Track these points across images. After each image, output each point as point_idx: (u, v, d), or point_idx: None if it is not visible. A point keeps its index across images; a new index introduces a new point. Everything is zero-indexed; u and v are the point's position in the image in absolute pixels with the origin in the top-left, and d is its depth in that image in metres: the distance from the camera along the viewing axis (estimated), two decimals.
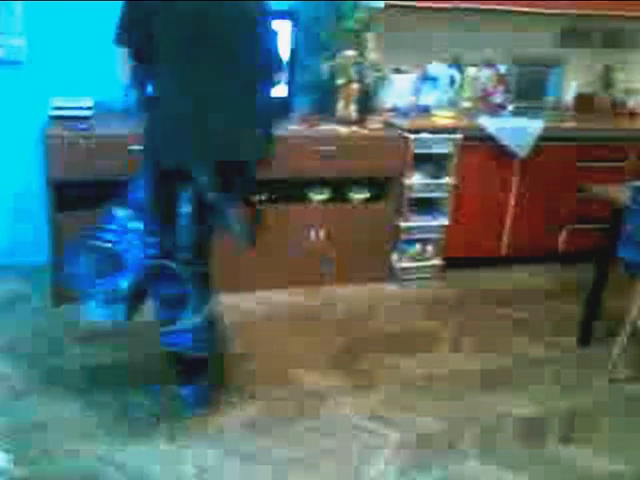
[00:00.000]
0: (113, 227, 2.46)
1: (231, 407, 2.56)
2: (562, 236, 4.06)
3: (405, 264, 3.76)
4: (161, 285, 2.40)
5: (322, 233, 3.55)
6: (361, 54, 3.60)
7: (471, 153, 3.67)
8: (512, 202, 3.89)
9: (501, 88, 4.12)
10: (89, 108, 3.26)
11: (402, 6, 3.60)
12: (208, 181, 2.28)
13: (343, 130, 3.51)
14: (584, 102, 4.29)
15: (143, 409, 2.50)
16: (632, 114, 4.31)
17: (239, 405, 2.57)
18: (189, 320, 2.40)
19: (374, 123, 3.59)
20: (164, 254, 2.37)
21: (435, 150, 3.60)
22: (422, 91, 3.93)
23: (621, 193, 2.88)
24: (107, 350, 2.86)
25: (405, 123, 3.60)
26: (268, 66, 2.48)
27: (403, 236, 3.71)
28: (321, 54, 3.68)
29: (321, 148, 3.40)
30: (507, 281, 3.91)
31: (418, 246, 3.77)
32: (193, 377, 2.50)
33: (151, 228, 2.39)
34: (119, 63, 2.35)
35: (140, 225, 2.42)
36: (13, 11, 3.23)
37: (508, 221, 3.92)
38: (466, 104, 4.06)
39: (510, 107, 4.07)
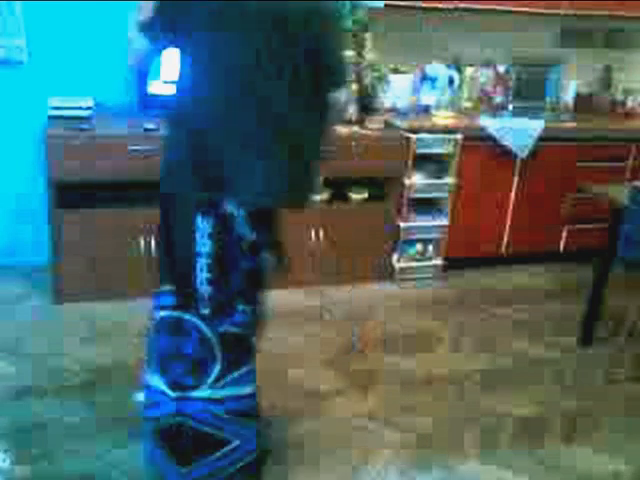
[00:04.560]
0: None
1: None
2: (562, 236, 4.07)
3: (405, 264, 3.76)
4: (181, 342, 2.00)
5: (322, 233, 3.55)
6: (359, 54, 3.60)
7: (471, 153, 3.67)
8: (512, 202, 3.89)
9: (501, 88, 4.12)
10: (89, 108, 3.26)
11: (402, 6, 3.60)
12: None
13: (343, 130, 3.51)
14: (584, 102, 4.29)
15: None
16: (631, 114, 4.32)
17: None
18: (206, 391, 2.00)
19: (374, 123, 3.59)
20: (182, 304, 2.00)
21: (436, 150, 3.60)
22: (422, 91, 3.93)
23: (621, 193, 2.88)
24: (107, 350, 2.86)
25: (405, 123, 3.61)
26: None
27: (403, 236, 3.71)
28: None
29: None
30: (507, 281, 3.91)
31: (418, 246, 3.77)
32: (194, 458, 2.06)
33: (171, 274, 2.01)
34: None
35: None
36: (13, 11, 3.23)
37: (508, 221, 3.92)
38: (466, 104, 4.07)
39: (510, 107, 4.08)
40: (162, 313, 2.02)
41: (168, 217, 1.97)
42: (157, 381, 2.03)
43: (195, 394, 2.00)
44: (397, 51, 3.87)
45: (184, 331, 2.00)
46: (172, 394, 2.00)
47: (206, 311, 1.98)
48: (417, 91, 3.95)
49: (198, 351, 2.00)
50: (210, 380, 2.00)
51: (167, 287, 2.01)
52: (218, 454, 2.05)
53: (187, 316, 1.99)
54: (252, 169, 1.85)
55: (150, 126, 3.14)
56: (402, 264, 3.75)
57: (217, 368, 2.00)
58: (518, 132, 3.71)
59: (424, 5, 3.65)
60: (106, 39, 3.36)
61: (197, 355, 2.00)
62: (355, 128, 3.56)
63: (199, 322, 1.99)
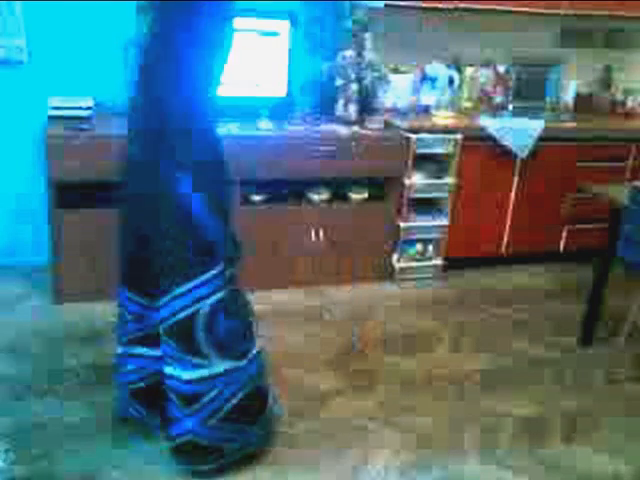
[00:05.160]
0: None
1: None
2: (562, 236, 4.07)
3: (405, 264, 3.76)
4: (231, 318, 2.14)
5: (322, 233, 3.55)
6: (359, 54, 3.60)
7: (471, 153, 3.68)
8: (512, 202, 3.89)
9: (501, 88, 4.12)
10: (89, 108, 3.26)
11: (402, 6, 3.60)
12: None
13: (343, 130, 3.51)
14: (584, 102, 4.30)
15: None
16: (631, 114, 4.32)
17: None
18: (257, 343, 2.23)
19: (374, 123, 3.59)
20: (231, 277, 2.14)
21: (436, 150, 3.60)
22: (422, 91, 3.93)
23: (621, 193, 2.88)
24: (107, 350, 2.85)
25: (405, 123, 3.61)
26: None
27: (403, 236, 3.71)
28: (321, 54, 3.69)
29: (321, 148, 3.40)
30: (507, 281, 3.91)
31: (418, 246, 3.77)
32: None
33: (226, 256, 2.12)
34: None
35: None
36: (13, 11, 3.23)
37: (508, 221, 3.92)
38: (466, 104, 4.07)
39: (510, 107, 4.08)
40: (215, 297, 2.07)
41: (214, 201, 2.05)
42: (226, 365, 2.11)
43: (255, 351, 2.20)
44: (397, 51, 3.87)
45: (236, 301, 2.16)
46: (243, 363, 2.14)
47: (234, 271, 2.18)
48: (417, 91, 3.95)
49: (247, 312, 2.21)
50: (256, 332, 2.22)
51: (211, 272, 2.05)
52: (270, 396, 2.30)
53: (235, 287, 2.16)
54: None
55: None
56: (402, 264, 3.75)
57: (254, 318, 2.24)
58: (518, 132, 3.71)
59: (424, 5, 3.65)
60: (106, 39, 3.36)
61: (248, 316, 2.21)
62: (355, 128, 3.56)
63: (239, 287, 2.18)
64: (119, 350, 2.31)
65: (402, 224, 3.68)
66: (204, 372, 2.08)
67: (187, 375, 2.08)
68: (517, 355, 3.11)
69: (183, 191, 1.99)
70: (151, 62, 2.00)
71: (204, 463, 2.17)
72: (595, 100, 4.32)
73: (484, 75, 4.11)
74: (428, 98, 3.91)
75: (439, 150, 3.61)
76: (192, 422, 2.11)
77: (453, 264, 3.87)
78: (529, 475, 2.32)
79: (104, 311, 3.16)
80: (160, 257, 2.05)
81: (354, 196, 3.64)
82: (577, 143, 3.87)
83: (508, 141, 3.70)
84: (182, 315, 2.05)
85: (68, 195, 3.12)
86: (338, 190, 3.63)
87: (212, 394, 2.10)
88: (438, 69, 3.94)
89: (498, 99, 4.13)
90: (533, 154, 3.76)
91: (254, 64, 3.45)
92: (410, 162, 3.57)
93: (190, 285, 2.04)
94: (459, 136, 3.61)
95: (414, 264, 3.79)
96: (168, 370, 2.11)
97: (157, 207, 2.02)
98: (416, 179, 3.64)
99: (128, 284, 2.22)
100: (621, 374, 2.96)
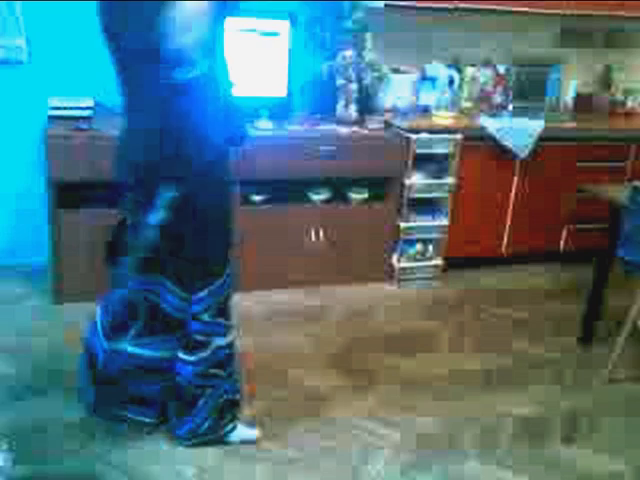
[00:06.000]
0: None
1: None
2: (562, 236, 4.07)
3: (405, 264, 3.76)
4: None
5: (322, 233, 3.55)
6: (359, 54, 3.61)
7: (471, 153, 3.68)
8: (512, 202, 3.89)
9: (501, 88, 4.12)
10: (89, 108, 3.26)
11: (402, 6, 3.60)
12: None
13: (343, 130, 3.52)
14: (584, 102, 4.30)
15: None
16: (631, 114, 4.32)
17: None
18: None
19: (374, 123, 3.59)
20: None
21: (436, 150, 3.60)
22: (421, 91, 3.94)
23: (621, 193, 2.87)
24: None
25: (405, 123, 3.61)
26: None
27: (403, 236, 3.71)
28: (321, 54, 3.69)
29: (321, 148, 3.40)
30: (507, 281, 3.91)
31: (418, 246, 3.77)
32: None
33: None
34: None
35: None
36: (13, 11, 3.24)
37: (508, 221, 3.92)
38: (466, 104, 4.07)
39: (510, 107, 4.08)
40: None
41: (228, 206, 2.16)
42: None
43: None
44: (397, 51, 3.87)
45: None
46: None
47: None
48: (417, 91, 3.95)
49: None
50: None
51: (227, 271, 2.19)
52: None
53: None
54: None
55: None
56: (402, 264, 3.75)
57: None
58: (518, 132, 3.71)
59: (424, 5, 3.65)
60: None
61: None
62: (355, 128, 3.56)
63: None
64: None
65: (402, 224, 3.68)
66: (235, 332, 2.30)
67: (226, 340, 2.25)
68: (517, 355, 3.11)
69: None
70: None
71: (231, 420, 2.33)
72: (595, 100, 4.32)
73: (484, 75, 4.11)
74: (428, 98, 3.91)
75: (439, 150, 3.61)
76: (228, 383, 2.28)
77: (453, 264, 3.87)
78: (529, 475, 2.32)
79: None
80: (205, 254, 2.13)
81: (354, 196, 3.64)
82: (577, 143, 3.87)
83: (508, 141, 3.70)
84: (225, 295, 2.21)
85: (68, 195, 3.12)
86: (338, 190, 3.63)
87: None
88: (438, 69, 3.94)
89: (498, 99, 4.13)
90: (533, 154, 3.76)
91: (254, 64, 3.46)
92: (410, 162, 3.57)
93: (229, 269, 2.19)
94: (459, 136, 3.61)
95: (414, 264, 3.79)
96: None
97: (221, 208, 2.13)
98: (416, 179, 3.64)
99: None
100: (621, 374, 2.96)
